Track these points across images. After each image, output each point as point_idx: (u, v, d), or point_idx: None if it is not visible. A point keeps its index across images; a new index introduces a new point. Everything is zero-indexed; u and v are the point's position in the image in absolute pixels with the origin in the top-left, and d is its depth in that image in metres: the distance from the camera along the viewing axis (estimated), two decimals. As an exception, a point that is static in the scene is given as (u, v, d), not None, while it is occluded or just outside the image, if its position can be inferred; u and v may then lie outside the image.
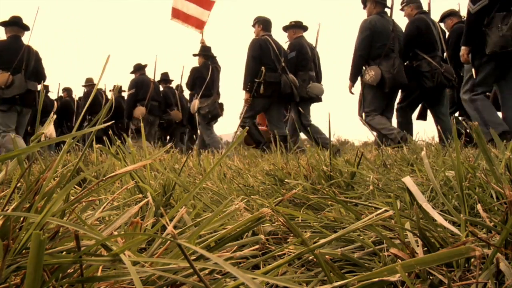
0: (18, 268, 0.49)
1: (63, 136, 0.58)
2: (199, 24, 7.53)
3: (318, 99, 6.20)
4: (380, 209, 0.67)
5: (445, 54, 5.58)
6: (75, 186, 1.52)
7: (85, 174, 0.69)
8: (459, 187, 0.83)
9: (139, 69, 8.31)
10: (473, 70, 4.34)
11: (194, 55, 7.40)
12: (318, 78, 6.42)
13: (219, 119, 7.37)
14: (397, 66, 5.04)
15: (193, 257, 0.56)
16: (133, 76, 8.35)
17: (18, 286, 0.49)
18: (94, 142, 1.34)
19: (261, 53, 5.81)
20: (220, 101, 7.40)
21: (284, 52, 6.07)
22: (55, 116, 0.76)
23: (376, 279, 0.47)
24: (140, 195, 1.10)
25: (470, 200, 0.95)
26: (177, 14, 7.61)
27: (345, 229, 0.58)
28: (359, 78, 5.33)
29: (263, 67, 5.75)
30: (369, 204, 0.99)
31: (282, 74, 5.86)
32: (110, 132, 1.55)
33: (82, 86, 9.73)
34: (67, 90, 10.26)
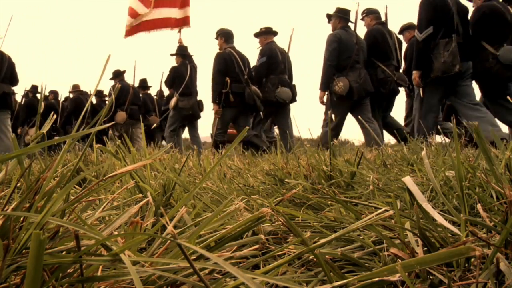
0: (18, 268, 0.49)
1: (64, 137, 0.58)
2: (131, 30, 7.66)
3: (286, 103, 6.45)
4: (380, 209, 0.67)
5: (402, 64, 6.01)
6: (75, 186, 1.52)
7: (85, 174, 0.69)
8: (459, 187, 0.83)
9: (118, 75, 8.54)
10: (420, 90, 4.90)
11: (172, 54, 7.59)
12: (290, 81, 6.66)
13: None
14: (363, 76, 5.46)
15: (193, 257, 0.56)
16: (112, 82, 8.61)
17: (18, 286, 0.49)
18: (94, 142, 1.34)
19: (226, 67, 6.18)
20: (201, 99, 7.70)
21: (248, 63, 6.43)
22: (55, 116, 0.76)
23: (376, 279, 0.47)
24: (140, 195, 1.10)
25: (470, 200, 0.95)
26: (129, 31, 7.71)
27: (345, 229, 0.58)
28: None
29: (227, 78, 6.12)
30: (369, 204, 0.99)
31: (246, 86, 6.22)
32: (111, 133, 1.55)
33: (69, 92, 10.00)
34: (54, 93, 10.52)
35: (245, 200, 1.18)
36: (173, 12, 7.63)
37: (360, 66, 5.54)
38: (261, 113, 6.59)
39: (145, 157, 1.45)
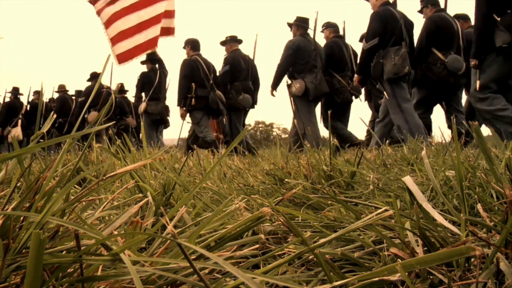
0: (18, 268, 0.49)
1: (64, 136, 0.58)
2: (152, 43, 7.45)
3: (247, 108, 7.00)
4: (380, 208, 0.67)
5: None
6: (75, 185, 1.52)
7: (85, 174, 0.69)
8: (459, 186, 0.83)
9: (95, 77, 8.80)
10: (363, 90, 5.95)
11: (142, 62, 7.82)
12: (255, 86, 7.16)
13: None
14: (319, 78, 5.99)
15: (193, 257, 0.56)
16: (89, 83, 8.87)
17: (18, 286, 0.49)
18: (94, 142, 1.34)
19: (192, 72, 6.67)
20: (166, 103, 8.10)
21: (213, 69, 6.88)
22: (55, 116, 0.76)
23: (376, 279, 0.47)
24: (140, 195, 1.10)
25: (470, 200, 0.95)
26: (123, 57, 7.47)
27: (345, 229, 0.58)
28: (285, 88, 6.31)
29: (193, 83, 6.59)
30: (369, 204, 0.99)
31: (211, 91, 6.70)
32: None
33: (55, 91, 10.22)
34: (38, 93, 10.70)
35: (245, 200, 1.18)
36: (158, 29, 7.49)
37: (317, 70, 6.04)
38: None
39: (145, 156, 1.45)
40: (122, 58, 7.22)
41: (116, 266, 0.49)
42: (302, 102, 6.07)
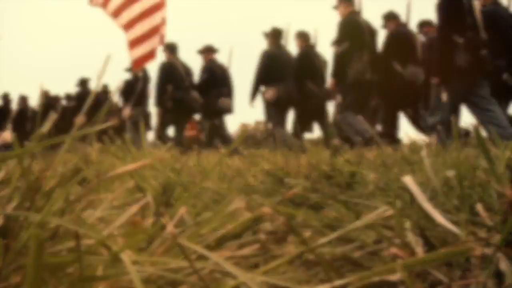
0: (18, 268, 0.49)
1: (64, 136, 0.59)
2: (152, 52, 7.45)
3: (228, 111, 7.44)
4: (380, 208, 0.67)
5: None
6: (75, 185, 1.52)
7: (85, 173, 0.69)
8: (459, 186, 0.83)
9: (83, 82, 9.26)
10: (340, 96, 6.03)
11: (127, 70, 8.05)
12: (230, 93, 7.56)
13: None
14: (291, 87, 6.43)
15: (193, 256, 0.56)
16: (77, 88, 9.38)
17: (18, 286, 0.49)
18: (94, 142, 1.34)
19: (167, 74, 7.17)
20: (149, 111, 8.44)
21: (190, 72, 7.37)
22: (55, 115, 0.76)
23: (376, 279, 0.47)
24: (140, 195, 1.10)
25: (471, 200, 0.95)
26: (140, 62, 7.46)
27: (345, 229, 0.58)
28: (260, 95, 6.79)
29: (169, 85, 7.02)
30: (369, 204, 0.99)
31: (185, 92, 7.14)
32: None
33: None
34: (24, 99, 10.84)
35: (245, 199, 1.18)
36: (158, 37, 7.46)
37: (289, 79, 6.47)
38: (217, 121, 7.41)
39: (144, 156, 1.45)
40: (138, 62, 7.32)
41: (116, 266, 0.49)
42: (274, 108, 6.53)
